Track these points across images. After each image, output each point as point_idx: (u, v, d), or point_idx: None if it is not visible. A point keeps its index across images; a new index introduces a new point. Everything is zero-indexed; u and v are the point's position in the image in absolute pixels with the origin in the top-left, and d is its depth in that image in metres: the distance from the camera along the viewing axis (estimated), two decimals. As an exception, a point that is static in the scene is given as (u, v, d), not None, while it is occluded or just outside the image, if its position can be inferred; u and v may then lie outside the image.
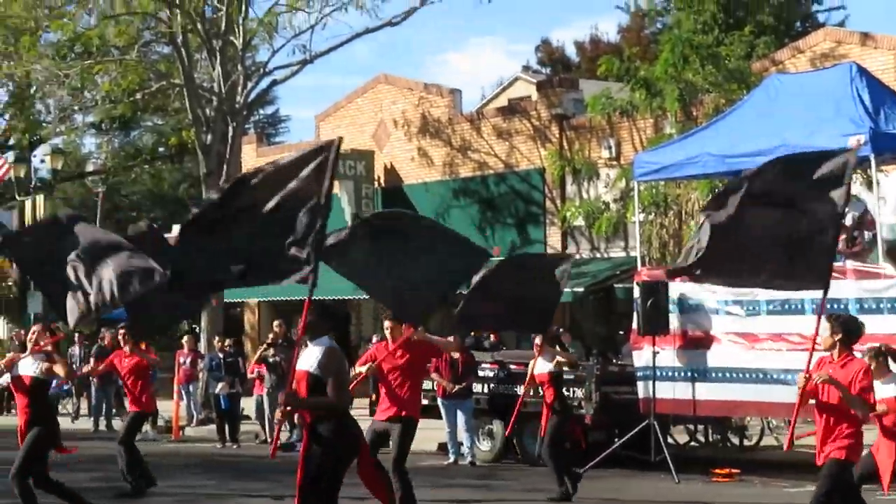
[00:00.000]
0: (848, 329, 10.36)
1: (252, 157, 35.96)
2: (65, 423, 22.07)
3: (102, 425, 26.55)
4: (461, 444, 19.69)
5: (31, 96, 37.17)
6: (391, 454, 12.43)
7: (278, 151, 37.09)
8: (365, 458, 9.99)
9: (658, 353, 17.62)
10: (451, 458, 19.67)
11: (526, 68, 50.78)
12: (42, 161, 44.00)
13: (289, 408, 9.80)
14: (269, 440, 23.11)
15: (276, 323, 24.21)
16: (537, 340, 15.50)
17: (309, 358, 9.50)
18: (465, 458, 19.48)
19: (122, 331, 16.28)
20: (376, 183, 32.53)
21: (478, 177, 30.87)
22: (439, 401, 19.62)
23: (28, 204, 34.86)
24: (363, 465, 9.98)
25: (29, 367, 12.70)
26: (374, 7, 30.37)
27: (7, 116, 39.93)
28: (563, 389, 16.24)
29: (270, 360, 22.63)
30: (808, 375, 10.01)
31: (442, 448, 20.71)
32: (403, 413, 12.62)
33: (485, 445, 19.97)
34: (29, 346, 12.82)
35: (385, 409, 12.67)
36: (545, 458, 15.48)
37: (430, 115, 31.95)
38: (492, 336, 23.98)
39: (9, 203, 41.03)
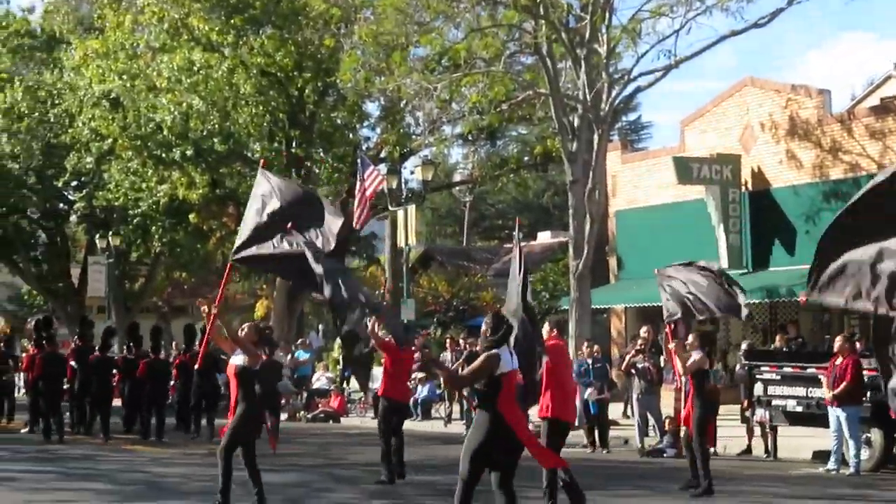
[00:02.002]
0: None
1: (617, 164, 36.01)
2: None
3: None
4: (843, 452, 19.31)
5: (401, 110, 38.40)
6: None
7: (641, 158, 37.02)
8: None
9: None
10: (833, 467, 19.30)
11: (898, 65, 48.68)
12: (412, 172, 45.48)
13: None
14: (640, 445, 23.12)
15: (643, 329, 24.15)
16: None
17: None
18: (849, 468, 19.04)
19: None
20: (743, 187, 31.95)
21: (849, 179, 29.77)
22: (828, 409, 19.35)
23: (400, 214, 36.04)
24: None
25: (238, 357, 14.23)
26: (739, 9, 29.79)
27: (379, 130, 41.38)
28: None
29: (639, 365, 22.61)
30: None
31: (817, 456, 20.26)
32: None
33: (863, 454, 19.40)
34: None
35: None
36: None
37: (799, 116, 31.12)
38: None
39: (382, 213, 42.56)
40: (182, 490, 16.21)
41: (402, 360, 18.55)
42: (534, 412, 15.12)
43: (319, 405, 34.69)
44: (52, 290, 54.95)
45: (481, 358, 11.32)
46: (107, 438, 25.28)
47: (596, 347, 25.38)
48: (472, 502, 11.26)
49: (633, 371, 23.42)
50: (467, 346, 30.10)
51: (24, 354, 29.68)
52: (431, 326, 42.13)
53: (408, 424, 27.46)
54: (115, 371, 27.49)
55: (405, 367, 19.08)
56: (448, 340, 30.18)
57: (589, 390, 23.99)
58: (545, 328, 15.47)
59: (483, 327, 11.55)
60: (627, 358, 23.85)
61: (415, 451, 23.33)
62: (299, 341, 39.46)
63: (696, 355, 16.82)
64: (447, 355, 29.76)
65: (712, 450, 22.76)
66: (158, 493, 16.56)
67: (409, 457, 19.45)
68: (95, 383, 26.18)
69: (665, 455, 22.23)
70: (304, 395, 35.56)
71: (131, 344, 28.34)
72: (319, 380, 36.73)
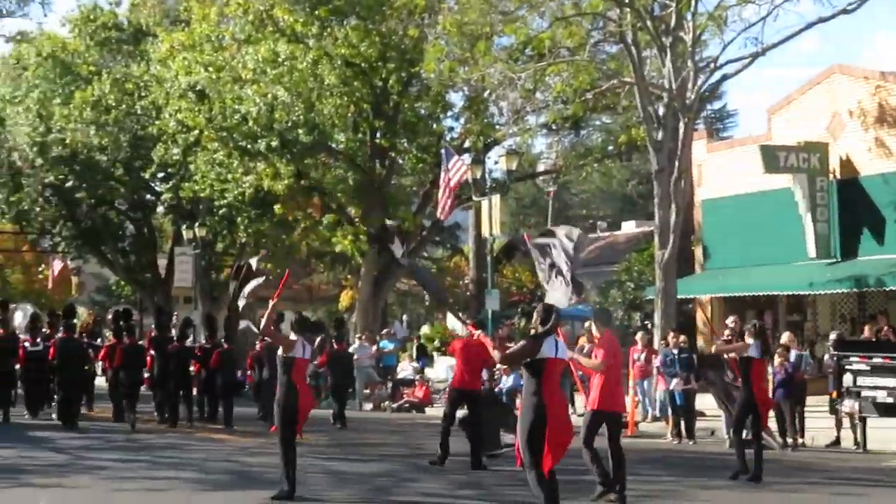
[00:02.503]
0: None
1: (703, 153, 35.72)
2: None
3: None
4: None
5: (485, 100, 38.32)
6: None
7: (727, 147, 36.68)
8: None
9: None
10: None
11: None
12: (496, 162, 45.43)
13: None
14: (727, 436, 22.93)
15: (730, 319, 23.92)
16: None
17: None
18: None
19: None
20: (831, 175, 31.54)
21: (942, 167, 29.33)
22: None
23: (484, 204, 36.01)
24: None
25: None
26: (828, -5, 29.35)
27: (463, 120, 41.33)
28: None
29: (726, 356, 22.39)
30: None
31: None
32: None
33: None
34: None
35: None
36: None
37: (888, 103, 30.64)
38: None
39: (466, 203, 42.57)
40: (267, 479, 16.30)
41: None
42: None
43: (404, 395, 34.80)
44: (140, 280, 55.61)
45: (521, 342, 12.57)
46: (190, 424, 26.05)
47: (682, 338, 25.22)
48: (554, 483, 11.62)
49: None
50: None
51: (104, 345, 30.17)
52: (515, 317, 42.09)
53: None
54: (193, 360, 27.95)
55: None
56: (532, 330, 30.05)
57: (675, 381, 23.85)
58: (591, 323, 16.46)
59: (534, 316, 12.49)
60: (713, 349, 23.65)
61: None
62: (384, 331, 39.64)
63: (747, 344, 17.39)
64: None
65: (800, 441, 22.63)
66: (246, 482, 16.70)
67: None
68: (174, 372, 26.72)
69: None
70: (390, 384, 35.70)
71: (208, 334, 29.01)
72: (404, 370, 36.86)
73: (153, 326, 30.40)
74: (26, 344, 28.38)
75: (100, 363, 30.02)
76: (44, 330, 29.29)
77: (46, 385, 28.27)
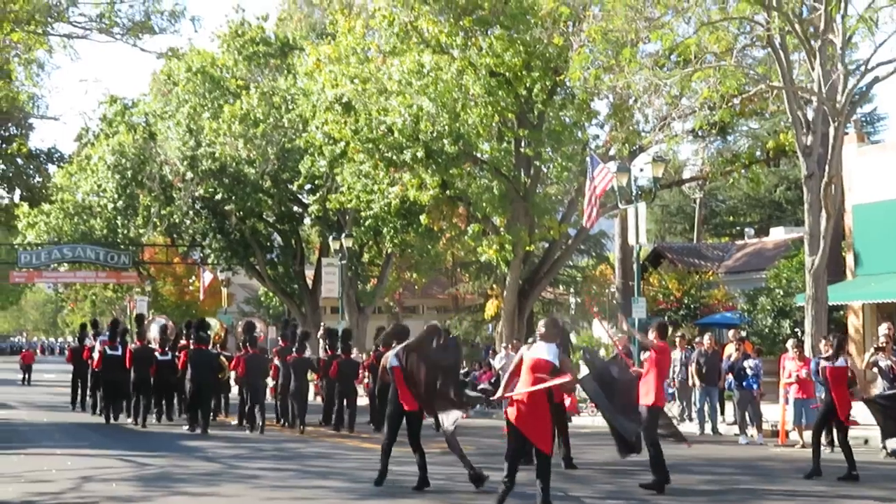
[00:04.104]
0: None
1: (853, 157, 35.02)
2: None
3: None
4: None
5: (630, 107, 38.05)
6: None
7: (879, 150, 35.89)
8: None
9: None
10: None
11: None
12: (641, 170, 45.04)
13: None
14: (882, 445, 22.42)
15: (884, 326, 23.39)
16: None
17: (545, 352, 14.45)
18: None
19: None
20: None
21: None
22: None
23: (630, 212, 35.76)
24: None
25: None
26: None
27: (608, 128, 41.09)
28: None
29: (881, 364, 21.89)
30: None
31: None
32: None
33: None
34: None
35: None
36: None
37: None
38: None
39: (611, 211, 42.33)
40: (408, 485, 16.42)
41: None
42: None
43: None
44: (288, 291, 56.43)
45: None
46: (302, 430, 27.81)
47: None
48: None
49: (874, 370, 22.69)
50: (696, 345, 29.70)
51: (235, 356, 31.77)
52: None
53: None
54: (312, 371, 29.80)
55: None
56: (678, 339, 29.72)
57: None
58: (651, 331, 18.34)
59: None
60: (867, 357, 23.12)
61: (647, 452, 23.15)
62: (529, 339, 39.51)
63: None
64: (677, 354, 29.35)
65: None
66: (395, 491, 16.76)
67: (642, 456, 19.31)
68: (293, 381, 28.38)
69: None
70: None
71: (327, 345, 31.01)
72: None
73: (278, 338, 32.45)
74: (156, 354, 30.41)
75: (232, 373, 31.41)
76: (181, 342, 31.41)
77: (175, 392, 30.58)
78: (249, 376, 28.46)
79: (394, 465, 17.74)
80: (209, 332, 31.26)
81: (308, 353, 30.14)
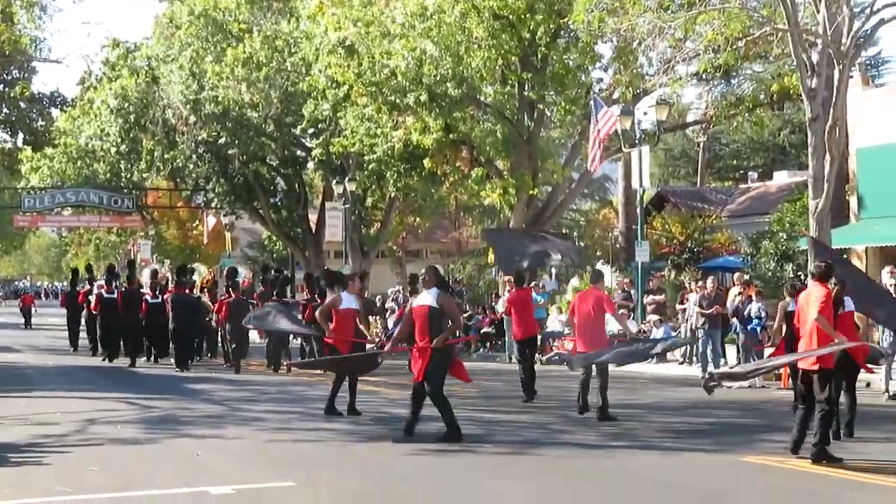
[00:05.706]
0: None
1: (858, 100, 34.87)
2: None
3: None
4: None
5: (634, 50, 37.82)
6: None
7: (884, 94, 35.76)
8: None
9: None
10: None
11: None
12: (645, 113, 44.92)
13: None
14: (885, 388, 22.49)
15: (887, 268, 23.42)
16: None
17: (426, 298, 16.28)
18: None
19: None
20: None
21: None
22: None
23: (633, 155, 35.70)
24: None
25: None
26: None
27: (612, 71, 40.90)
28: None
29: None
30: None
31: None
32: None
33: None
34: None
35: None
36: None
37: None
38: None
39: (615, 155, 42.25)
40: (422, 431, 16.49)
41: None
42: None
43: (553, 348, 34.79)
44: (291, 235, 56.45)
45: None
46: (275, 370, 29.23)
47: (837, 289, 24.65)
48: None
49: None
50: (697, 289, 29.77)
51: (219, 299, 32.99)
52: (665, 269, 41.74)
53: (639, 367, 27.55)
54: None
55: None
56: (693, 283, 29.77)
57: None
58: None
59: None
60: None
61: (652, 395, 23.32)
62: (533, 284, 39.60)
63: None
64: (693, 297, 29.60)
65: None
66: (396, 433, 16.77)
67: (646, 399, 19.39)
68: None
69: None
70: (539, 337, 35.65)
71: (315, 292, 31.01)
72: (553, 323, 36.80)
73: (259, 283, 34.67)
74: (147, 297, 32.00)
75: (213, 315, 32.40)
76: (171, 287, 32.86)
77: (165, 334, 31.48)
78: (232, 320, 29.48)
79: (394, 409, 17.78)
80: (191, 278, 33.26)
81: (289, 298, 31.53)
